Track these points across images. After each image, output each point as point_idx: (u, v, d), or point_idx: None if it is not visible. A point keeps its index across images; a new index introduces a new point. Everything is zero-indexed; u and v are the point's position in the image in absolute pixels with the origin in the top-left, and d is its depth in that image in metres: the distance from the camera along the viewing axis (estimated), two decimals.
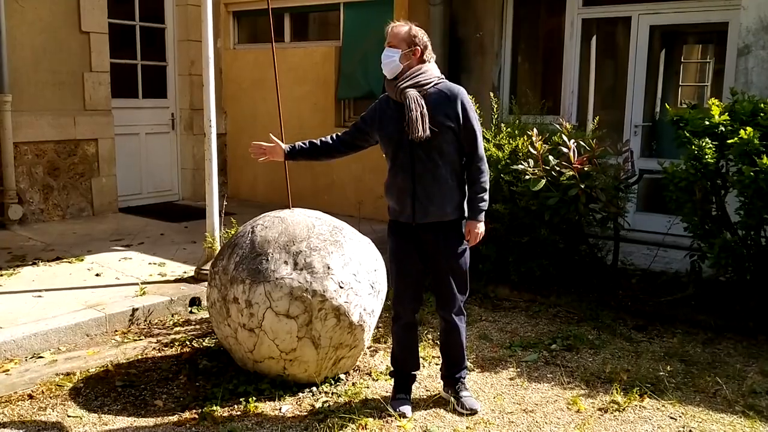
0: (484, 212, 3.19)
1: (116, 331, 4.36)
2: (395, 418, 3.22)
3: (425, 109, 3.05)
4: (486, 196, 3.19)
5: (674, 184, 4.42)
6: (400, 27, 3.18)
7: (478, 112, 5.11)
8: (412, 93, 3.08)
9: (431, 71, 3.19)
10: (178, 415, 3.26)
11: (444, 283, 3.26)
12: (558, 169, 4.60)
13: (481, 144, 3.21)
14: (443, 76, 3.24)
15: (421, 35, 3.19)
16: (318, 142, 3.43)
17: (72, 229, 6.74)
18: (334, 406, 3.35)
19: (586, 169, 4.59)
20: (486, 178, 3.20)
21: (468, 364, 3.53)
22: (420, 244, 3.25)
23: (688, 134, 4.39)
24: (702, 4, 5.93)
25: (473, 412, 3.29)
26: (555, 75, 6.74)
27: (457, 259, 3.22)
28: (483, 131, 5.12)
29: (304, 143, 3.44)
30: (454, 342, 3.37)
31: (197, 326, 4.46)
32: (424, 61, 3.19)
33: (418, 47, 3.15)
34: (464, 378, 3.43)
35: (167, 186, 8.41)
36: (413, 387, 3.49)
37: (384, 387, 3.57)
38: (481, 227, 3.18)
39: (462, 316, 3.35)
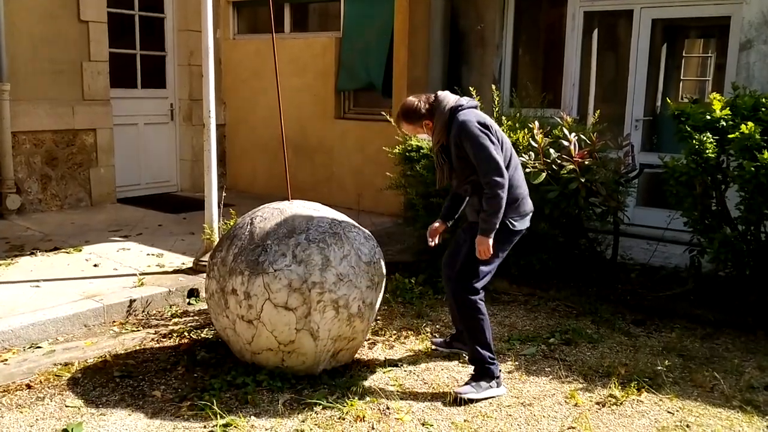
0: (490, 231, 3.27)
1: (114, 321, 4.35)
2: (393, 411, 3.22)
3: (446, 164, 3.44)
4: (489, 216, 3.25)
5: (674, 178, 4.41)
6: (404, 125, 3.47)
7: (481, 105, 5.10)
8: (437, 151, 3.48)
9: (445, 115, 3.34)
10: (176, 405, 3.25)
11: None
12: (558, 162, 4.59)
13: (485, 163, 3.22)
14: (456, 105, 3.36)
15: (416, 104, 3.40)
16: (455, 195, 3.70)
17: (70, 219, 6.73)
18: (332, 398, 3.34)
19: (586, 162, 4.58)
20: (490, 199, 3.23)
21: (479, 361, 3.49)
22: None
23: (689, 129, 4.38)
24: None
25: (455, 399, 3.35)
26: (556, 68, 6.71)
27: (472, 246, 3.37)
28: None
29: (449, 204, 3.72)
30: (455, 312, 3.63)
31: (195, 317, 4.45)
32: (439, 112, 3.36)
33: (425, 119, 3.40)
34: (476, 369, 3.47)
35: (166, 177, 8.38)
36: (414, 382, 3.52)
37: (382, 379, 3.57)
38: (484, 243, 3.29)
39: (459, 292, 3.43)
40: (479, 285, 3.41)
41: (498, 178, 3.21)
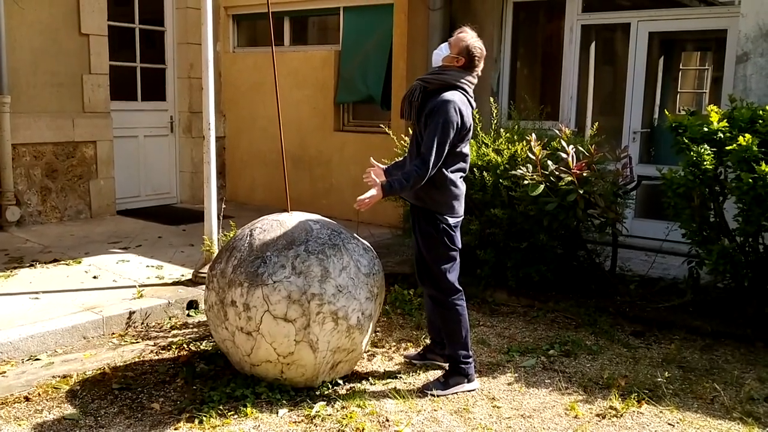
0: (389, 188, 3.33)
1: (113, 333, 4.34)
2: (392, 423, 3.21)
3: (416, 102, 3.40)
4: (403, 183, 3.31)
5: (672, 190, 4.43)
6: (464, 37, 3.45)
7: (478, 117, 5.13)
8: (416, 84, 3.44)
9: (450, 78, 3.39)
10: (175, 418, 3.24)
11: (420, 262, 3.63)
12: (557, 174, 4.60)
13: (434, 149, 3.26)
14: (461, 84, 3.41)
15: (478, 52, 3.44)
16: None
17: (70, 231, 6.73)
18: (332, 410, 3.34)
19: (584, 174, 4.59)
20: (412, 175, 3.30)
21: (455, 360, 3.62)
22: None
23: (686, 140, 4.40)
24: (701, 12, 5.95)
25: (422, 392, 3.54)
26: (554, 81, 6.75)
27: (424, 246, 3.52)
28: (482, 136, 5.17)
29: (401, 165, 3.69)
30: (438, 317, 3.64)
31: (195, 329, 4.45)
32: (464, 70, 3.43)
33: (463, 59, 3.42)
34: (449, 367, 3.62)
35: (165, 189, 8.40)
36: (413, 394, 3.52)
37: (381, 391, 3.56)
38: (372, 193, 3.33)
39: (440, 301, 3.56)
40: (452, 279, 3.52)
41: (429, 168, 3.29)
